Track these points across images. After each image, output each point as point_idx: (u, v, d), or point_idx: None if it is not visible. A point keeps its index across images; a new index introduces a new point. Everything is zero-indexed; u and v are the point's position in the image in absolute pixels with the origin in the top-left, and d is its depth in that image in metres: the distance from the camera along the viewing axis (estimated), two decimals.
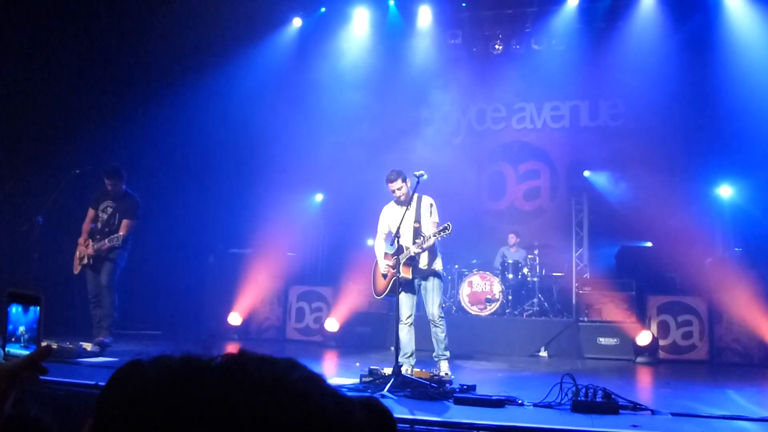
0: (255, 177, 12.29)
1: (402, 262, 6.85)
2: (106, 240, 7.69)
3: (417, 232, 7.03)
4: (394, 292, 6.83)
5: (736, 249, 10.95)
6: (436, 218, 7.08)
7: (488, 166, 13.70)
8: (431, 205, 7.13)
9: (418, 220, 7.08)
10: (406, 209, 6.93)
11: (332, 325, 10.83)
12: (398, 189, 7.07)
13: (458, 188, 11.28)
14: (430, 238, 6.79)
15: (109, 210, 8.02)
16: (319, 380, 0.81)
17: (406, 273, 6.91)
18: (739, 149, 10.94)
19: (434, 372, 6.68)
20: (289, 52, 13.44)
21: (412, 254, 6.89)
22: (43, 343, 1.17)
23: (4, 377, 1.07)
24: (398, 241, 6.79)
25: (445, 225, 6.69)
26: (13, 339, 1.21)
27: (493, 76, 13.05)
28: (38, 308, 1.20)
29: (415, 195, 7.07)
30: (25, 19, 10.39)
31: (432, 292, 7.07)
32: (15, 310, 1.20)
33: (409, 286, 7.08)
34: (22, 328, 1.21)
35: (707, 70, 11.39)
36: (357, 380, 6.48)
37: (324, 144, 12.37)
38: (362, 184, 11.92)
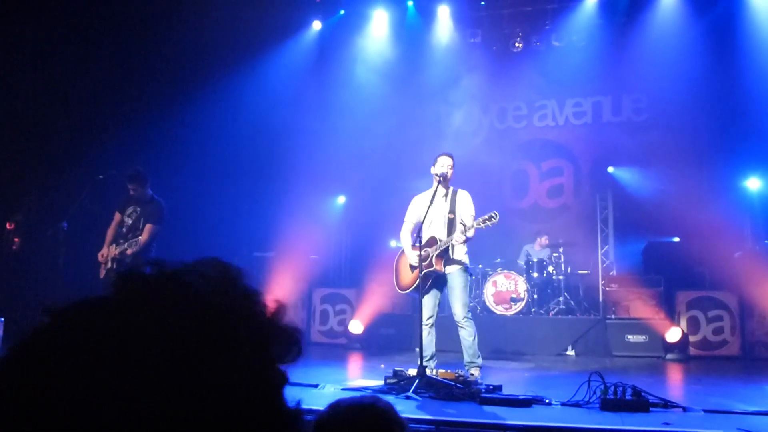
0: (277, 180, 12.30)
1: (435, 254, 6.68)
2: (127, 245, 7.71)
3: (451, 224, 6.77)
4: (422, 287, 6.62)
5: (766, 242, 10.74)
6: (473, 211, 6.81)
7: (511, 164, 13.60)
8: (468, 198, 6.91)
9: (452, 211, 6.81)
10: (440, 198, 6.78)
11: (356, 327, 10.80)
12: (450, 167, 6.83)
13: (481, 187, 11.19)
14: (472, 227, 6.48)
15: (134, 215, 8.03)
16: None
17: (438, 266, 6.69)
18: (766, 140, 10.75)
19: (459, 372, 6.56)
20: (309, 55, 13.48)
21: (448, 245, 6.63)
22: None
23: None
24: (428, 233, 6.65)
25: (492, 213, 6.42)
26: None
27: (514, 74, 12.96)
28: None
29: (450, 187, 6.94)
30: (48, 26, 10.47)
31: (456, 289, 6.69)
32: None
33: (434, 284, 6.82)
34: None
35: (731, 61, 11.20)
36: (382, 382, 6.42)
37: (345, 146, 12.36)
38: (384, 185, 11.90)
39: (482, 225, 6.49)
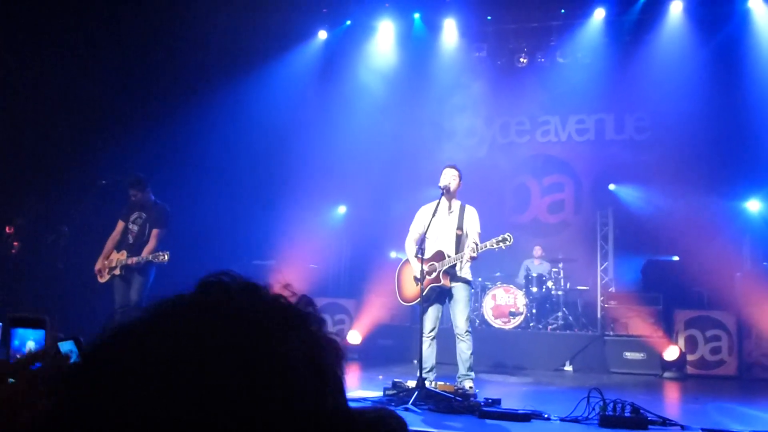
0: (278, 189, 12.33)
1: (442, 269, 6.66)
2: (135, 258, 7.68)
3: (459, 240, 6.77)
4: (426, 301, 6.62)
5: (765, 263, 10.78)
6: (478, 228, 6.81)
7: (512, 178, 13.64)
8: (476, 215, 6.90)
9: (461, 227, 6.80)
10: (444, 211, 6.80)
11: (355, 337, 10.80)
12: (453, 179, 6.82)
13: (482, 201, 11.22)
14: (485, 247, 6.51)
15: (140, 221, 8.02)
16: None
17: (445, 281, 6.66)
18: (767, 163, 10.81)
19: (458, 385, 6.57)
20: (314, 65, 13.50)
21: (456, 263, 6.61)
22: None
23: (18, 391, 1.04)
24: (434, 246, 6.66)
25: (506, 236, 6.46)
26: (18, 356, 1.20)
27: (518, 88, 13.02)
28: (44, 331, 1.21)
29: (458, 202, 6.95)
30: (48, 31, 10.51)
31: (461, 302, 6.70)
32: (21, 332, 1.20)
33: (438, 297, 6.81)
34: (31, 344, 1.21)
35: (734, 83, 11.28)
36: (380, 393, 6.42)
37: (348, 156, 12.39)
38: (385, 196, 11.94)
39: (495, 246, 6.52)
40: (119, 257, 7.84)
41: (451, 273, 6.72)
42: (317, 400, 0.70)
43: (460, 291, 6.74)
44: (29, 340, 1.21)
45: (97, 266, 7.96)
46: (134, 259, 7.68)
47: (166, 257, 7.49)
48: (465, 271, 6.77)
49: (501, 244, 6.49)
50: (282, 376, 0.68)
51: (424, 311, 6.64)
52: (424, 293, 6.62)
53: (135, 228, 7.99)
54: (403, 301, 7.15)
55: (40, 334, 1.22)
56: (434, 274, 6.66)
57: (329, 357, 0.75)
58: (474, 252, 6.48)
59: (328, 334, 0.78)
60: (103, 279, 7.96)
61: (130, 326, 0.70)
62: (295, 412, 0.67)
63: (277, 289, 0.80)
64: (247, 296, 0.74)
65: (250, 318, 0.71)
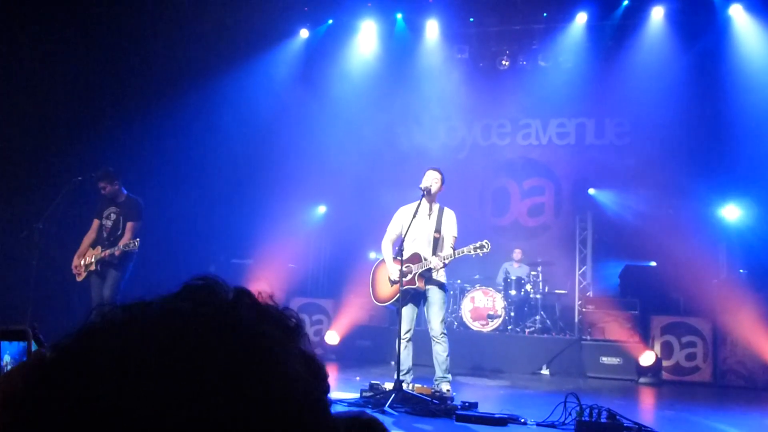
0: (257, 187, 12.25)
1: (418, 272, 6.65)
2: (109, 251, 7.60)
3: (437, 243, 6.76)
4: (400, 302, 6.58)
5: (741, 270, 10.86)
6: (455, 232, 6.81)
7: (492, 181, 13.65)
8: (453, 217, 6.87)
9: (438, 230, 6.78)
10: (424, 214, 6.76)
11: (333, 337, 10.75)
12: (435, 182, 6.79)
13: (462, 203, 11.24)
14: (462, 252, 6.52)
15: (113, 216, 7.94)
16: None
17: (420, 284, 6.67)
18: (746, 170, 10.89)
19: (436, 388, 6.55)
20: (295, 64, 13.42)
21: (433, 266, 6.59)
22: None
23: None
24: (411, 248, 6.63)
25: (483, 243, 6.48)
26: None
27: (499, 91, 13.02)
28: (25, 343, 1.15)
29: (437, 205, 6.92)
30: (24, 24, 10.36)
31: (435, 305, 6.71)
32: (3, 345, 1.15)
33: (413, 298, 6.80)
34: (7, 358, 1.15)
35: (714, 90, 11.36)
36: (357, 395, 6.38)
37: (328, 156, 12.36)
38: (365, 196, 11.89)
39: (472, 253, 6.55)
40: (94, 253, 7.77)
41: (426, 276, 6.71)
42: (317, 412, 0.70)
43: (434, 293, 6.74)
44: (5, 354, 1.15)
45: (74, 264, 7.88)
46: (108, 252, 7.61)
47: (137, 244, 7.46)
48: (440, 274, 6.77)
49: (478, 251, 6.50)
50: (287, 389, 0.67)
51: (399, 313, 6.60)
52: (398, 295, 6.59)
53: (109, 223, 7.92)
54: (377, 301, 7.13)
55: (18, 347, 1.16)
56: (409, 276, 6.64)
57: (321, 369, 0.75)
58: (441, 263, 6.51)
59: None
60: (81, 277, 7.89)
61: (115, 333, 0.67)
62: (301, 423, 0.67)
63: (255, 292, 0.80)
64: (244, 306, 0.73)
65: (253, 330, 0.70)
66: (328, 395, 0.75)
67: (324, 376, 0.75)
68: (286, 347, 0.72)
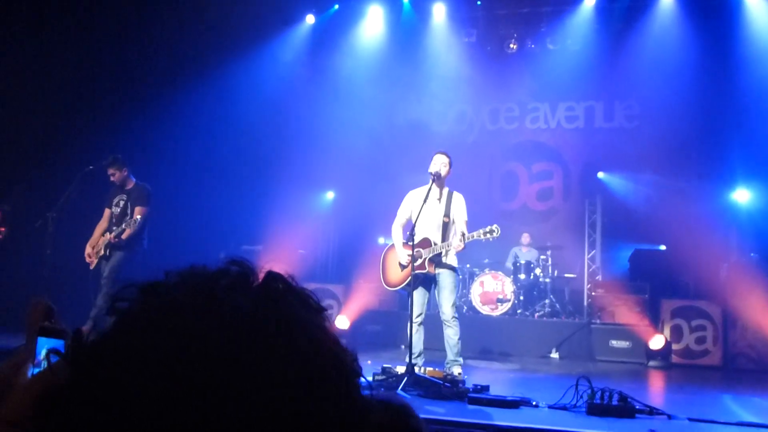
0: (267, 174, 12.26)
1: (428, 257, 6.64)
2: (122, 227, 7.67)
3: (446, 228, 6.74)
4: (411, 286, 6.58)
5: (751, 254, 10.83)
6: (465, 216, 6.78)
7: (501, 165, 13.63)
8: (463, 202, 6.85)
9: (448, 214, 6.76)
10: (434, 198, 6.73)
11: (343, 322, 10.79)
12: (443, 166, 6.76)
13: (470, 188, 11.21)
14: (472, 237, 6.49)
15: (121, 203, 8.01)
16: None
17: (430, 268, 6.67)
18: (757, 154, 10.83)
19: (447, 371, 6.57)
20: (301, 50, 13.41)
21: (442, 251, 6.60)
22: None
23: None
24: (421, 233, 6.59)
25: (493, 227, 6.46)
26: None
27: (507, 75, 12.98)
28: (63, 342, 1.19)
29: (446, 189, 6.90)
30: (31, 17, 10.37)
31: (446, 289, 6.69)
32: (42, 341, 1.19)
33: (424, 282, 6.80)
34: (43, 353, 1.19)
35: (725, 73, 11.28)
36: (370, 378, 6.40)
37: (336, 141, 12.34)
38: (374, 182, 11.89)
39: (482, 237, 6.52)
40: (104, 239, 7.84)
41: (436, 260, 6.71)
42: (351, 392, 0.73)
43: (445, 277, 6.73)
44: (42, 349, 1.19)
45: (86, 252, 7.95)
46: (113, 234, 7.70)
47: (136, 221, 7.59)
48: (451, 258, 6.76)
49: (488, 236, 6.49)
50: (325, 369, 0.70)
51: (411, 297, 6.61)
52: (408, 279, 6.61)
53: (117, 210, 7.99)
54: (387, 285, 7.13)
55: (56, 343, 1.19)
56: (420, 261, 6.64)
57: (350, 350, 0.78)
58: (462, 243, 6.46)
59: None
60: (93, 266, 7.96)
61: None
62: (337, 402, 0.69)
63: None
64: (278, 291, 0.77)
65: (291, 315, 0.74)
66: (360, 376, 0.77)
67: (354, 357, 0.77)
68: (321, 328, 0.75)
